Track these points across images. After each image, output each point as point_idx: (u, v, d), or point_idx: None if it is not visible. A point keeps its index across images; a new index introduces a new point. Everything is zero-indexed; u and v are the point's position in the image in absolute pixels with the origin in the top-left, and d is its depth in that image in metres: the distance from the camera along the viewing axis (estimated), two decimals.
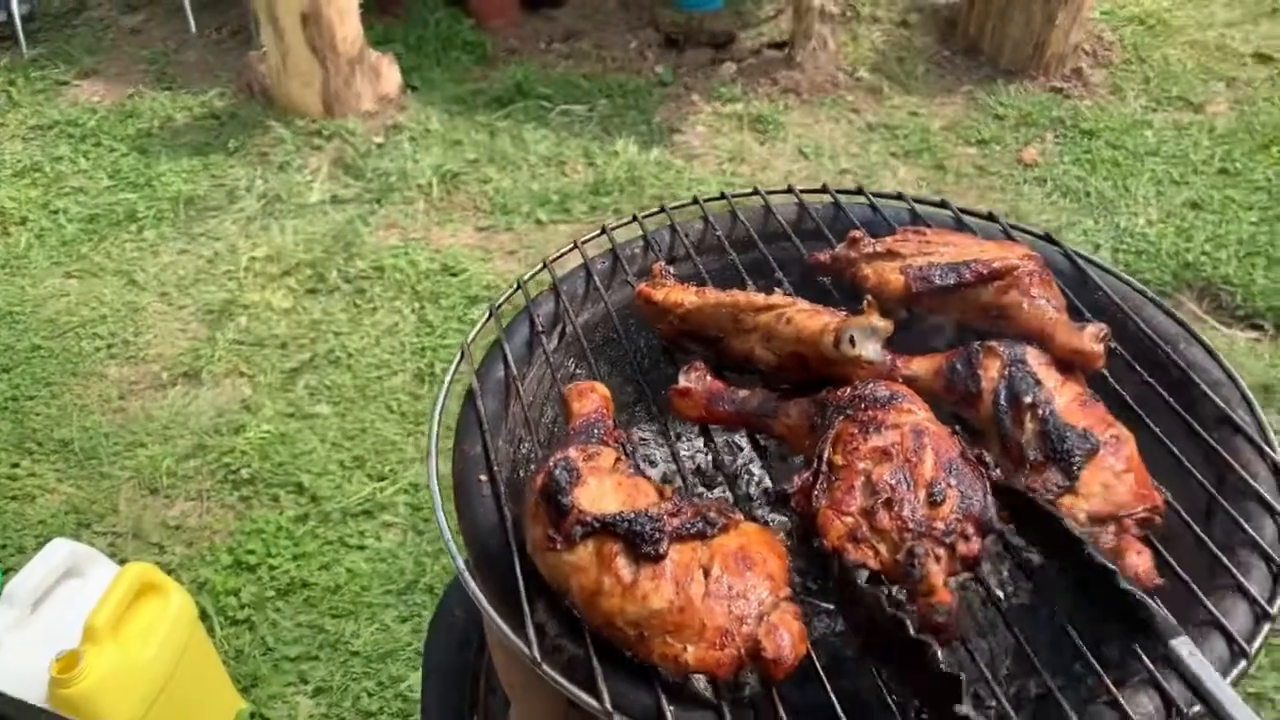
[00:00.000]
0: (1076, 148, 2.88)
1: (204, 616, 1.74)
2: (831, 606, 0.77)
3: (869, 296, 0.73)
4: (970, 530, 0.61)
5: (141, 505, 2.02)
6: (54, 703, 1.34)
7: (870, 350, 0.68)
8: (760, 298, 0.78)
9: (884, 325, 0.68)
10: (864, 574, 0.60)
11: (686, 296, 0.82)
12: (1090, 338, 0.74)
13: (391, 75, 3.19)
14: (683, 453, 0.95)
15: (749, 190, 1.00)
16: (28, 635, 1.40)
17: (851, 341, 0.68)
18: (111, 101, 3.33)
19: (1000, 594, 0.81)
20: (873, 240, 0.84)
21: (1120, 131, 2.92)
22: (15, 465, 2.11)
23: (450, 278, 2.56)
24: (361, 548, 1.92)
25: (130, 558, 1.88)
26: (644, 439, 0.95)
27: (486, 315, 0.89)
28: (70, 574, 1.50)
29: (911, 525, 0.60)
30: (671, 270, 0.86)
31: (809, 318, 0.73)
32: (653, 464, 0.93)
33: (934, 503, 0.61)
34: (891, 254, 0.82)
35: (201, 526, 1.98)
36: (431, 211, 2.80)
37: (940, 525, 0.61)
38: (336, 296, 2.52)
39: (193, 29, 3.69)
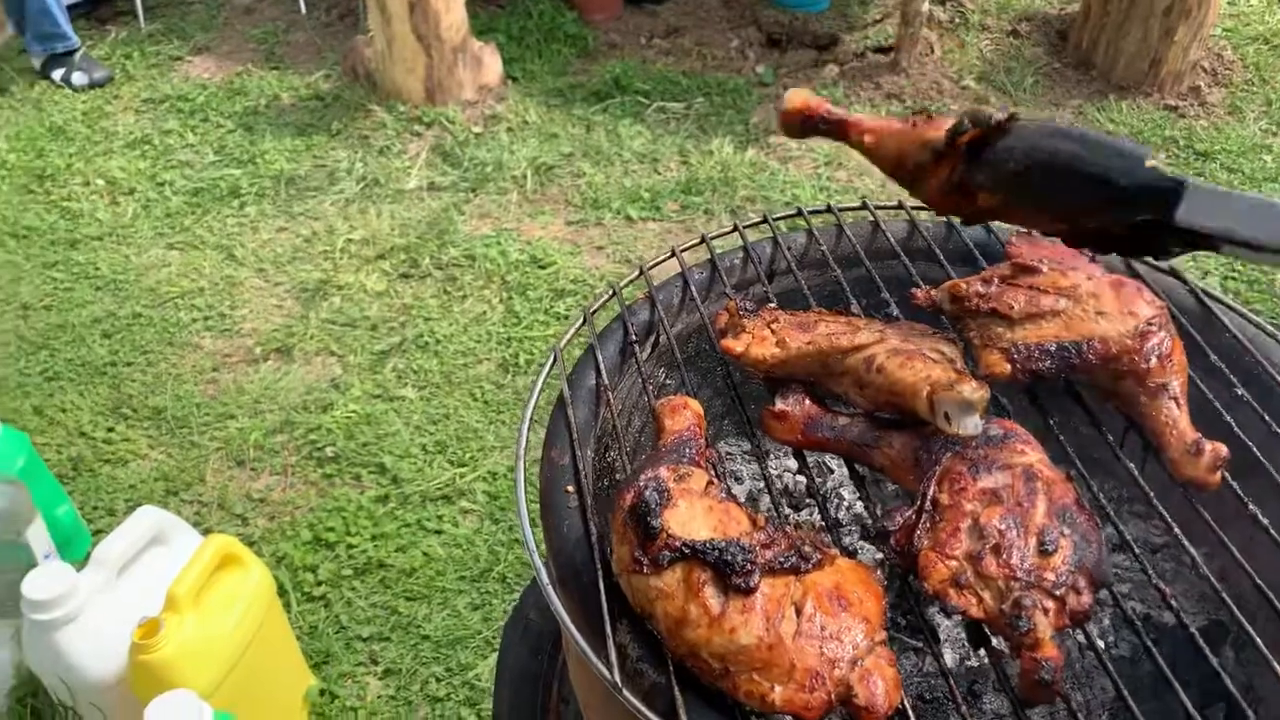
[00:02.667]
0: (1190, 169, 2.77)
1: (281, 591, 1.77)
2: (920, 644, 0.74)
3: (958, 365, 0.69)
4: (1082, 584, 0.58)
5: (228, 476, 2.07)
6: (133, 668, 1.37)
7: (968, 426, 0.64)
8: (847, 338, 0.74)
9: (979, 396, 0.64)
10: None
11: (768, 351, 0.78)
12: (1206, 468, 0.70)
13: (493, 65, 3.21)
14: (772, 471, 0.93)
15: (856, 204, 0.97)
16: (113, 599, 1.44)
17: (947, 417, 0.64)
18: (221, 78, 3.41)
19: (1101, 643, 0.77)
20: (979, 293, 0.78)
21: (1237, 154, 2.80)
22: (110, 429, 2.17)
23: (539, 270, 2.56)
24: (439, 532, 1.94)
25: (214, 528, 1.93)
26: (731, 454, 0.93)
27: (580, 320, 0.88)
28: (156, 541, 1.54)
29: (1020, 575, 0.57)
30: (749, 306, 0.82)
31: (901, 367, 0.69)
32: (739, 480, 0.91)
33: (1045, 552, 0.58)
34: (996, 313, 0.76)
35: (284, 501, 2.01)
36: (524, 203, 2.81)
37: (1050, 577, 0.57)
38: (428, 282, 2.54)
39: (303, 10, 3.76)
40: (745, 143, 2.97)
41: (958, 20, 3.42)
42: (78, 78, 3.36)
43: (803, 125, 0.79)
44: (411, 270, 2.58)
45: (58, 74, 3.38)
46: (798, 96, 0.78)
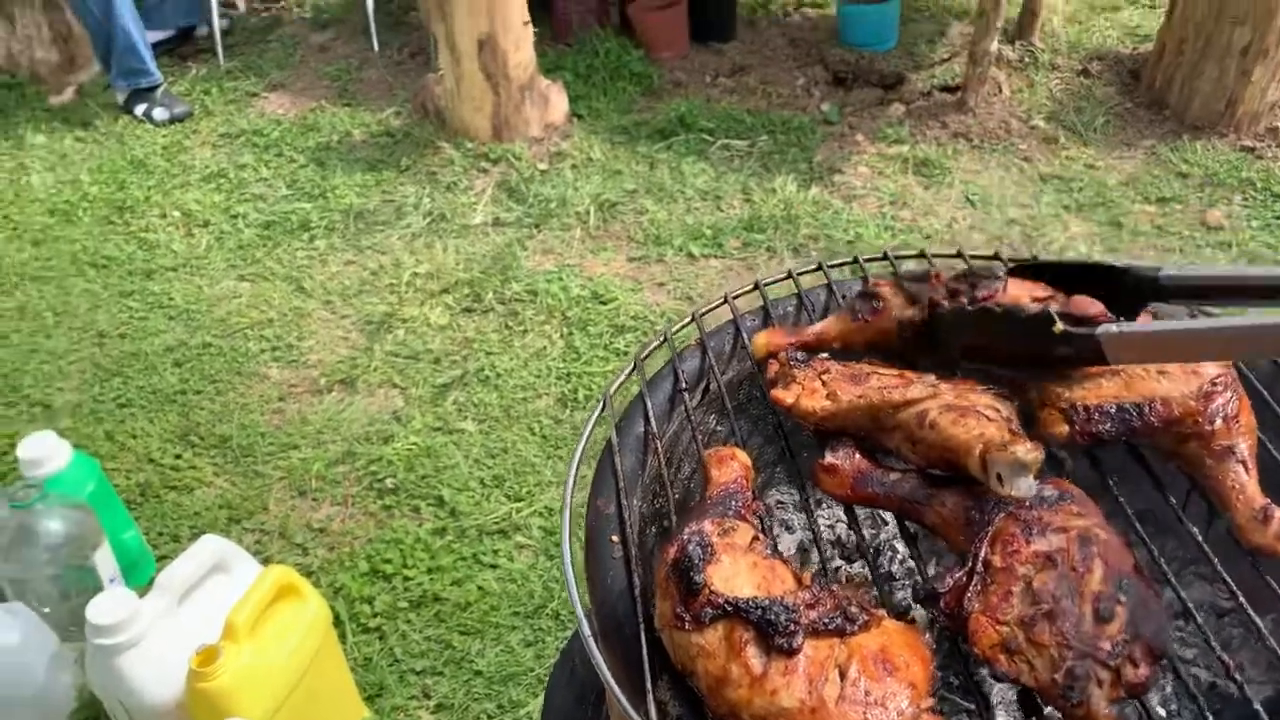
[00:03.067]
0: (1267, 212, 2.70)
1: (337, 622, 1.78)
2: (972, 707, 0.72)
3: (1014, 424, 0.68)
4: (1139, 654, 0.56)
5: (290, 506, 2.10)
6: (191, 695, 1.39)
7: (1021, 488, 0.62)
8: (899, 393, 0.73)
9: (1033, 458, 0.63)
10: None
11: (818, 404, 0.77)
12: (1275, 535, 0.67)
13: (559, 103, 3.25)
14: (824, 521, 0.92)
15: (914, 252, 0.96)
16: (174, 626, 1.47)
17: (1000, 478, 0.63)
18: (295, 114, 3.50)
19: (1161, 711, 0.74)
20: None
21: None
22: (178, 457, 2.22)
23: (600, 306, 2.58)
24: (494, 566, 1.94)
25: (275, 557, 1.95)
26: (781, 502, 0.92)
27: (630, 366, 0.88)
28: (218, 569, 1.57)
29: (1074, 643, 0.56)
30: (799, 356, 0.82)
31: (953, 424, 0.68)
32: (790, 530, 0.90)
33: (1101, 620, 0.56)
34: (1057, 374, 0.75)
35: (344, 532, 2.04)
36: (586, 239, 2.83)
37: (1106, 646, 0.56)
38: (490, 317, 2.57)
39: (375, 48, 3.86)
40: (809, 181, 2.96)
41: (1027, 59, 3.39)
42: (159, 113, 3.47)
43: (780, 355, 0.85)
44: (474, 304, 2.61)
45: (140, 109, 3.50)
46: (760, 341, 0.86)
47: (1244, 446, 0.72)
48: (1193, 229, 2.67)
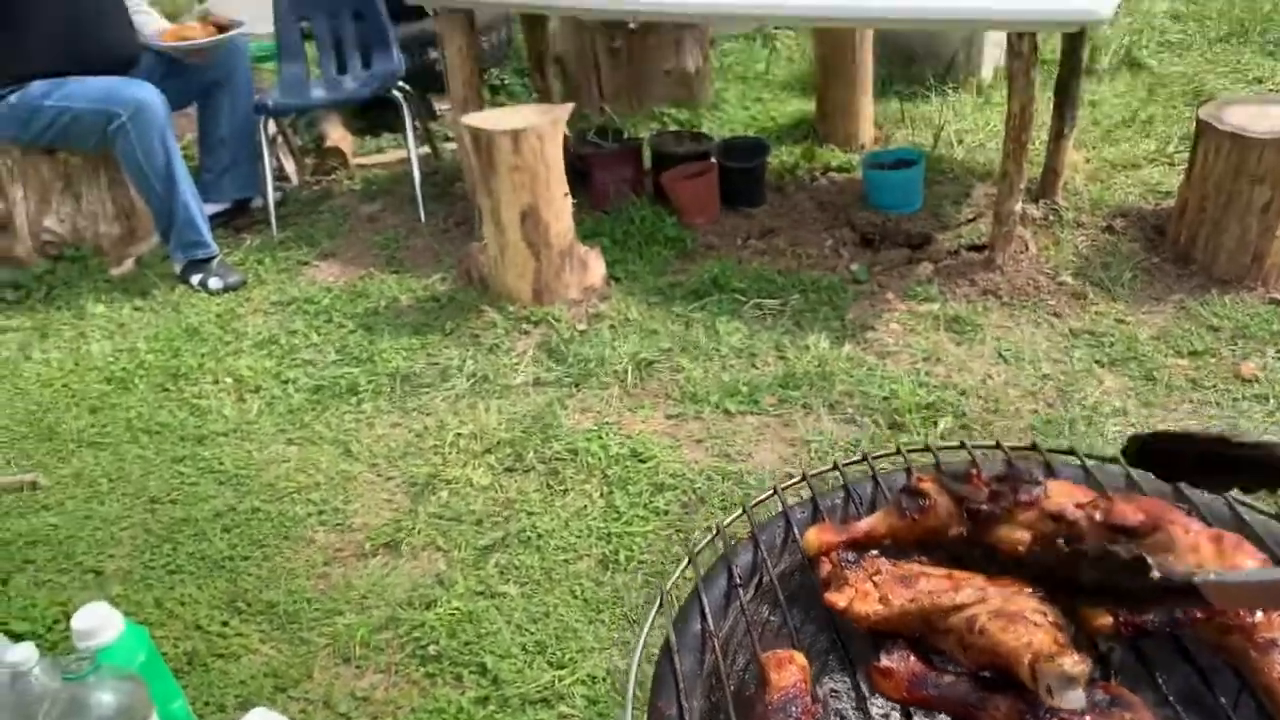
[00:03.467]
0: None
1: None
2: None
3: (1061, 631, 0.70)
4: None
5: (334, 674, 2.10)
6: None
7: (1070, 700, 0.65)
8: (949, 596, 0.76)
9: (1080, 671, 0.65)
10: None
11: (870, 608, 0.81)
12: None
13: (597, 267, 3.37)
14: (878, 711, 0.93)
15: (955, 444, 1.00)
16: None
17: (1049, 689, 0.65)
18: (345, 281, 3.65)
19: None
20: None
21: None
22: (225, 624, 2.25)
23: (639, 464, 2.61)
24: None
25: None
26: (835, 691, 0.93)
27: (685, 561, 0.91)
28: None
29: None
30: (850, 557, 0.86)
31: (1003, 630, 0.71)
32: None
33: None
34: None
35: (387, 700, 2.03)
36: (625, 397, 2.89)
37: None
38: (531, 476, 2.61)
39: (422, 219, 4.04)
40: (841, 338, 3.03)
41: (1051, 217, 3.48)
42: (214, 282, 3.63)
43: (831, 555, 0.90)
44: (516, 464, 2.66)
45: (196, 279, 3.66)
46: (811, 539, 0.89)
47: None
48: (1227, 382, 2.69)
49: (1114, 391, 2.71)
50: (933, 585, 0.77)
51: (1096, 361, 2.83)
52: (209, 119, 3.96)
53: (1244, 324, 2.89)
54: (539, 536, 2.41)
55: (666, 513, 2.44)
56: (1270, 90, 4.42)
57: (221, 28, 3.77)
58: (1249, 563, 0.74)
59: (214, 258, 3.69)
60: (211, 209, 3.90)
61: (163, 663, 1.92)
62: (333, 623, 2.23)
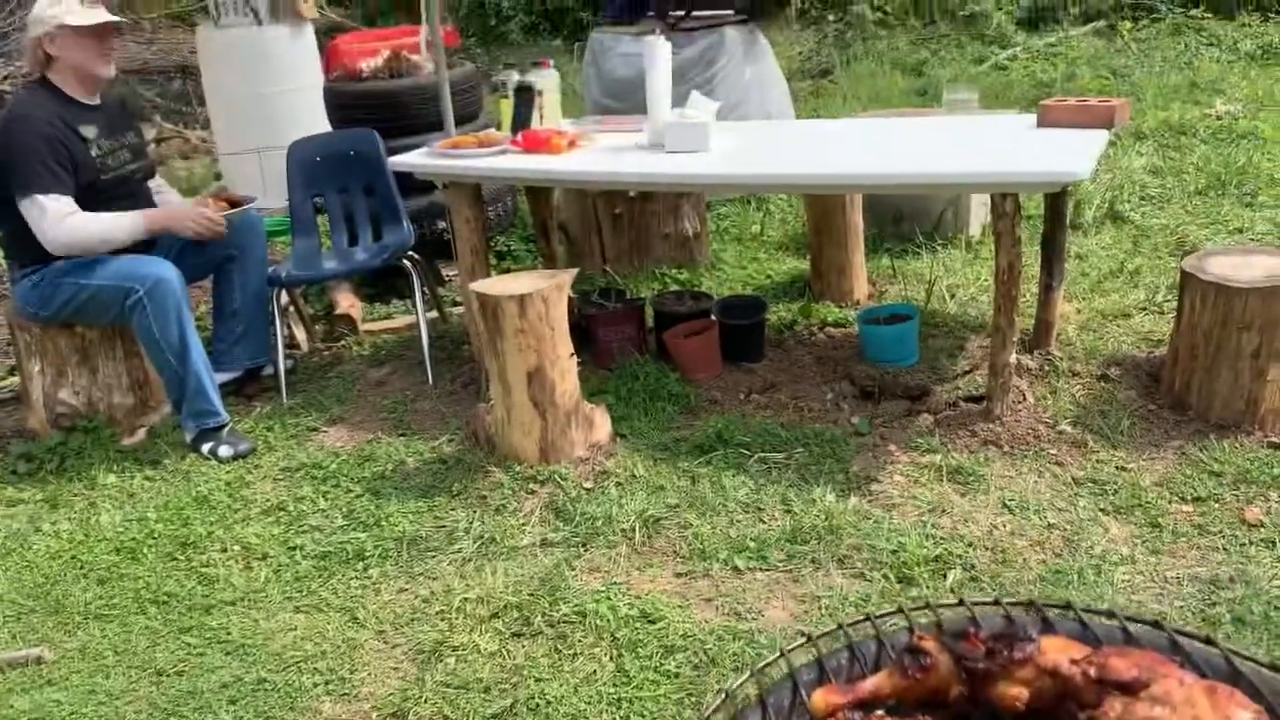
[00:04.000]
0: None
1: None
2: None
3: None
4: None
5: None
6: None
7: None
8: None
9: None
10: None
11: None
12: None
13: (603, 424, 3.43)
14: None
15: (955, 601, 1.02)
16: None
17: None
18: (353, 446, 3.70)
19: None
20: (1078, 710, 0.83)
21: None
22: None
23: (648, 625, 2.59)
24: None
25: None
26: None
27: None
28: None
29: None
30: (856, 718, 0.87)
31: None
32: None
33: None
34: None
35: None
36: (633, 555, 2.89)
37: None
38: (539, 640, 2.59)
39: (430, 381, 4.12)
40: (847, 491, 3.05)
41: (1047, 367, 3.55)
42: (224, 450, 3.68)
43: (836, 716, 0.93)
44: (524, 628, 2.64)
45: (206, 447, 3.71)
46: (819, 700, 0.92)
47: None
48: (1233, 528, 2.70)
49: (1120, 539, 2.71)
50: None
51: (1101, 510, 2.84)
52: (224, 291, 4.09)
53: (1245, 469, 2.91)
54: (548, 704, 2.38)
55: (678, 675, 2.41)
56: (1250, 240, 4.57)
57: (234, 204, 3.94)
58: (1243, 714, 0.76)
59: (225, 426, 3.75)
60: (223, 377, 3.99)
61: None
62: None
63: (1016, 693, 0.82)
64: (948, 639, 0.86)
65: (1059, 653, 0.82)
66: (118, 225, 3.61)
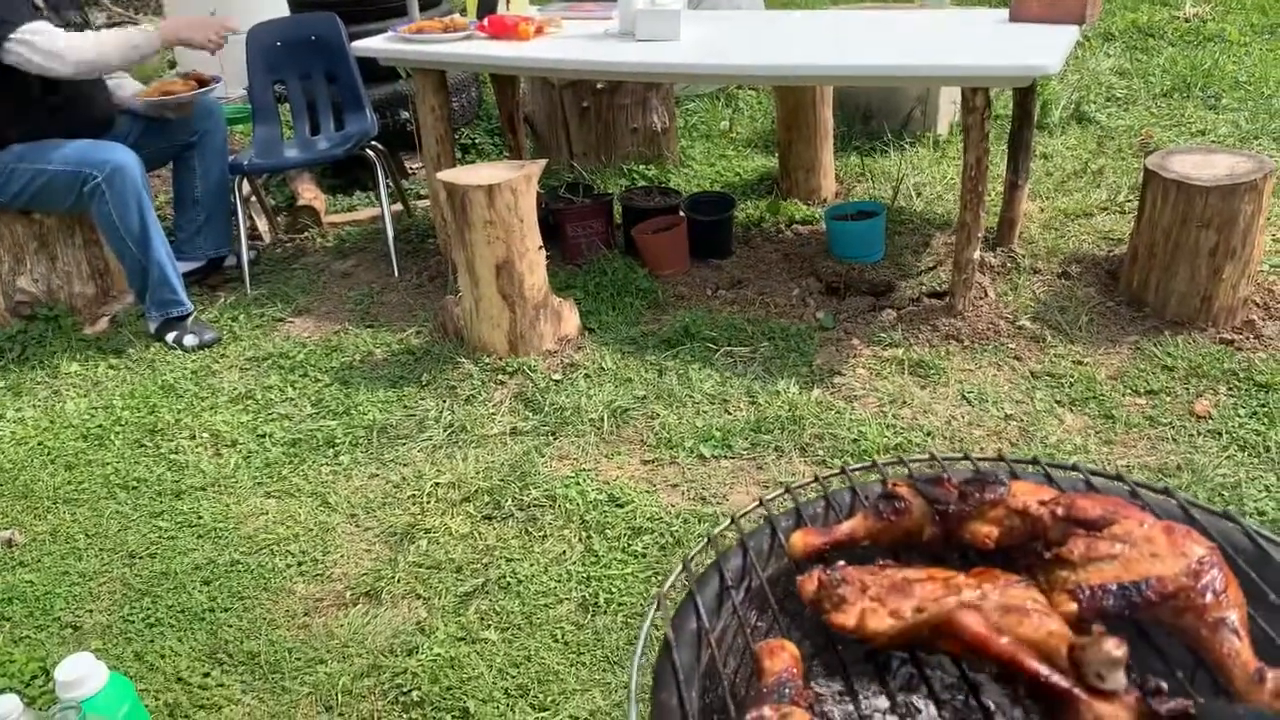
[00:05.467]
0: (1252, 400, 2.82)
1: None
2: None
3: (1098, 626, 0.75)
4: None
5: None
6: None
7: (1115, 680, 0.70)
8: (952, 599, 0.81)
9: (1124, 651, 0.70)
10: None
11: (884, 624, 0.84)
12: (1271, 694, 0.75)
13: (571, 318, 3.44)
14: (863, 710, 0.97)
15: (925, 456, 1.06)
16: None
17: (1099, 675, 0.70)
18: (320, 337, 3.69)
19: None
20: (1045, 549, 0.87)
21: None
22: (206, 675, 2.25)
23: (616, 508, 2.65)
24: None
25: None
26: (823, 694, 0.98)
27: (680, 567, 0.96)
28: None
29: None
30: (843, 575, 0.90)
31: (1020, 625, 0.75)
32: None
33: None
34: (1061, 560, 0.84)
35: None
36: (601, 444, 2.93)
37: None
38: (510, 523, 2.64)
39: (396, 274, 4.09)
40: (810, 383, 3.10)
41: (1009, 264, 3.60)
42: (189, 340, 3.66)
43: (816, 558, 0.95)
44: (494, 512, 2.69)
45: (171, 336, 3.68)
46: (797, 541, 0.94)
47: (1235, 617, 0.80)
48: (1183, 419, 2.79)
49: (1075, 430, 2.80)
50: (929, 590, 0.82)
51: (1057, 402, 2.92)
52: (183, 179, 4.01)
53: (1197, 363, 3.00)
54: (519, 582, 2.44)
55: (644, 555, 2.48)
56: (1213, 142, 4.61)
57: (202, 82, 3.84)
58: (1197, 549, 0.81)
59: (189, 315, 3.72)
60: (186, 267, 3.93)
61: (146, 714, 1.92)
62: (314, 672, 2.23)
63: (987, 531, 0.86)
64: (921, 485, 0.90)
65: (1028, 495, 0.87)
66: (135, 32, 3.50)
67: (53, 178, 3.53)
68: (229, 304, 3.98)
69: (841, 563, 0.91)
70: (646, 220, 3.96)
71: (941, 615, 0.78)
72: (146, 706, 2.05)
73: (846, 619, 0.84)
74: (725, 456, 2.83)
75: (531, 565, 2.49)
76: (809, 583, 0.89)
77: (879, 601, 0.83)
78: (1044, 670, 0.70)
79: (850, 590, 0.86)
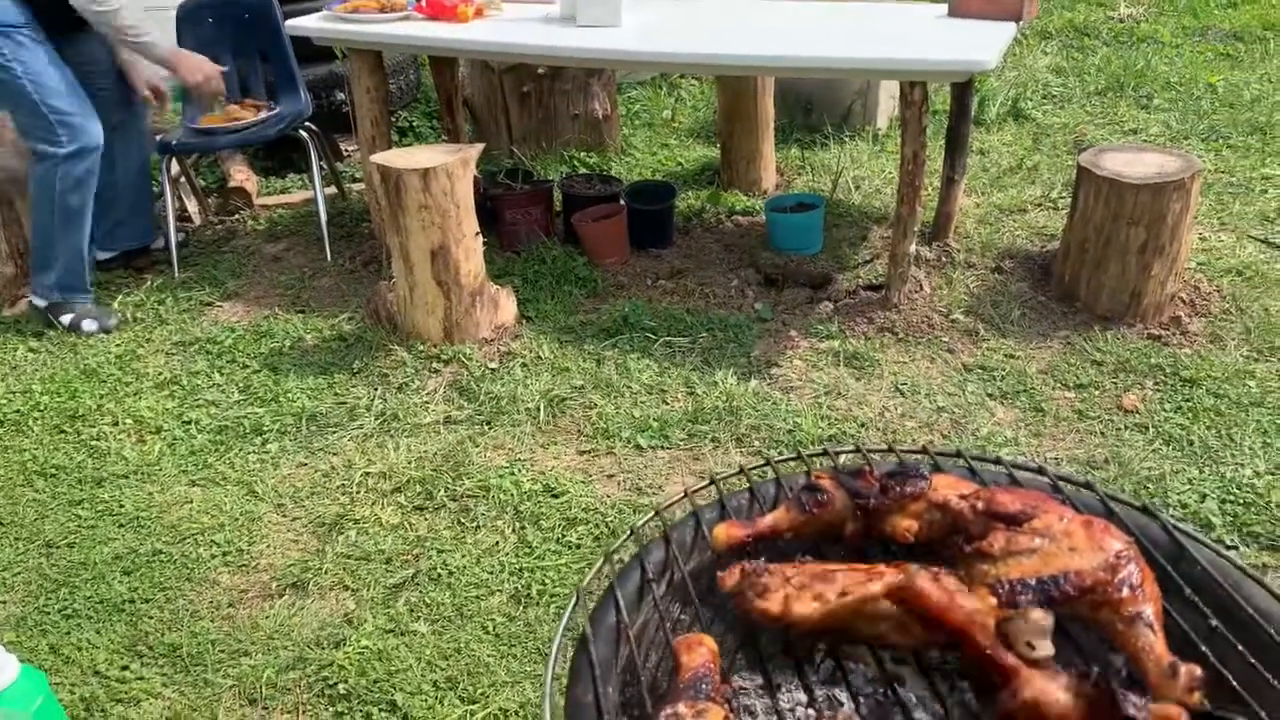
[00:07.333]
0: (1178, 395, 2.88)
1: None
2: None
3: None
4: None
5: (240, 715, 2.06)
6: None
7: (1045, 648, 0.71)
8: (877, 585, 0.81)
9: (1050, 620, 0.71)
10: None
11: (809, 608, 0.83)
12: (1183, 689, 0.76)
13: (508, 306, 3.40)
14: (784, 704, 0.97)
15: (851, 448, 1.06)
16: None
17: (1029, 645, 0.71)
18: (249, 322, 3.60)
19: None
20: (966, 543, 0.87)
21: (1221, 380, 2.91)
22: (125, 668, 2.18)
23: (551, 499, 2.63)
24: None
25: None
26: (744, 688, 0.97)
27: (601, 560, 0.94)
28: None
29: None
30: (766, 567, 0.89)
31: (947, 601, 0.76)
32: (752, 715, 0.95)
33: None
34: (981, 554, 0.85)
35: None
36: (537, 434, 2.91)
37: None
38: (442, 514, 2.61)
39: (329, 258, 4.01)
40: (748, 374, 3.10)
41: (944, 259, 3.63)
42: (89, 324, 3.53)
43: (739, 551, 0.94)
44: (426, 502, 2.65)
45: (67, 319, 3.53)
46: (720, 534, 0.94)
47: (1149, 611, 0.80)
48: (1110, 413, 2.84)
49: (1006, 423, 2.83)
50: (851, 578, 0.82)
51: (988, 395, 2.96)
52: (103, 169, 3.75)
53: (1125, 358, 3.05)
54: (450, 574, 2.41)
55: (579, 546, 2.46)
56: (1144, 141, 4.70)
57: (258, 108, 4.00)
58: (1115, 544, 0.81)
59: (89, 299, 3.61)
60: (102, 256, 3.83)
61: (60, 709, 1.86)
62: (238, 664, 2.19)
63: (908, 525, 0.86)
64: (844, 477, 0.89)
65: (949, 489, 0.87)
66: (155, 31, 3.40)
67: (24, 99, 3.26)
68: (155, 287, 3.87)
69: (762, 560, 0.90)
70: (587, 208, 3.93)
71: (895, 585, 0.77)
72: (61, 701, 1.99)
73: (770, 605, 0.83)
74: (662, 447, 2.82)
75: (463, 556, 2.45)
76: (730, 576, 0.88)
77: (803, 589, 0.83)
78: (988, 642, 0.70)
79: (773, 580, 0.85)
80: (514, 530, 2.53)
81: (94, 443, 2.96)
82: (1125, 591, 0.79)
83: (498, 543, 2.49)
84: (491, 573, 2.40)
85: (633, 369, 3.15)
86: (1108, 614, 0.79)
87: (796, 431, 2.80)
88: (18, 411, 3.11)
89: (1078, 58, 5.97)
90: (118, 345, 3.47)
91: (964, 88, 3.50)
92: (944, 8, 3.39)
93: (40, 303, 3.59)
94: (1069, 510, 0.87)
